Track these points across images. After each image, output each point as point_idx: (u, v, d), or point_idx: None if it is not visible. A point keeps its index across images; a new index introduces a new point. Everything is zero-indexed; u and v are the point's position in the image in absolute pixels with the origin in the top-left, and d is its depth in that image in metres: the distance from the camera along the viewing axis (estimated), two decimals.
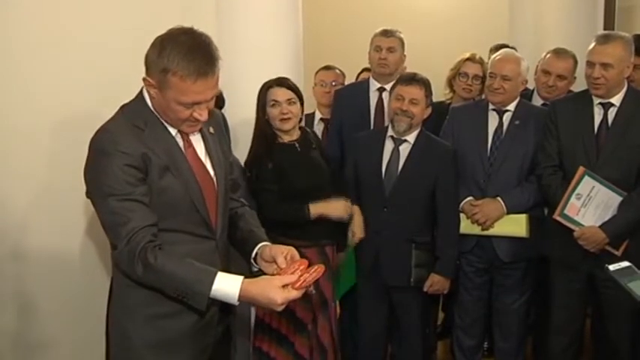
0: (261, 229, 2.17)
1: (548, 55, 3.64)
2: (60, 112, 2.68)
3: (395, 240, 3.10)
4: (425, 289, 3.15)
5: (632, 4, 5.20)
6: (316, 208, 2.92)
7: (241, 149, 3.12)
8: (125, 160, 1.80)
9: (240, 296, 1.81)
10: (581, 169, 2.91)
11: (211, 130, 2.05)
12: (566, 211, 2.96)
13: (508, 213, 3.17)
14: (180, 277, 1.81)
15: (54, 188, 2.70)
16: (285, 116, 2.96)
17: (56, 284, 2.76)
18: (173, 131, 1.93)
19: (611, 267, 1.87)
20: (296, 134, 3.05)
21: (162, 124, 1.91)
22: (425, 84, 3.14)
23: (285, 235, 2.68)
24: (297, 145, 3.03)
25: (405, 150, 3.15)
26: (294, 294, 1.82)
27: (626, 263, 1.88)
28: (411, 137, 3.15)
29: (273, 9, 3.32)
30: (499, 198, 3.17)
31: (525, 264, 3.29)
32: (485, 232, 3.21)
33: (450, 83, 3.96)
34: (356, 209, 3.12)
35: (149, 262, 1.79)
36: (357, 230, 3.11)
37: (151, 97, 1.89)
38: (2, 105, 2.63)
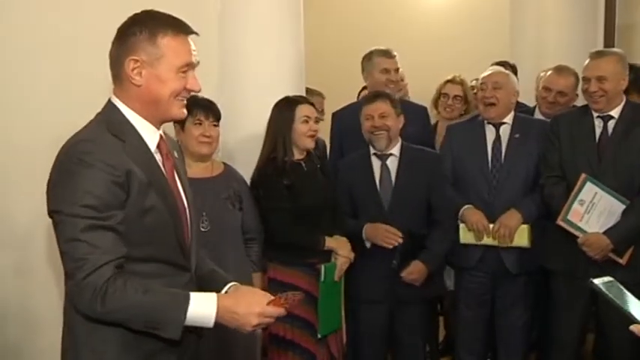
0: (220, 269, 1.98)
1: (550, 72, 3.70)
2: (58, 127, 2.67)
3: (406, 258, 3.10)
4: (402, 274, 3.10)
5: (632, 21, 5.23)
6: (330, 242, 2.96)
7: (240, 167, 3.09)
8: (111, 176, 1.58)
9: (217, 312, 1.63)
10: (583, 175, 2.94)
11: (175, 154, 1.90)
12: (569, 217, 2.97)
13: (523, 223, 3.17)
14: (152, 306, 1.60)
15: None
16: (315, 133, 3.00)
17: (59, 299, 2.76)
18: (152, 146, 1.75)
19: (596, 281, 1.84)
20: (302, 153, 3.07)
21: (140, 136, 1.72)
22: (388, 97, 3.22)
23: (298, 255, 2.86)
24: (303, 164, 3.04)
25: (393, 163, 3.20)
26: (274, 310, 1.70)
27: (608, 278, 1.86)
28: (395, 150, 3.20)
29: (275, 28, 3.35)
30: (515, 210, 3.17)
31: (526, 278, 3.28)
32: (490, 242, 3.19)
33: (435, 105, 4.16)
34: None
35: (115, 296, 1.56)
36: (344, 253, 3.01)
37: (135, 88, 1.69)
38: (1, 121, 2.63)
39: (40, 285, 2.75)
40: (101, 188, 1.57)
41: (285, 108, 2.99)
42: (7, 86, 2.62)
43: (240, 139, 3.28)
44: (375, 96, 3.24)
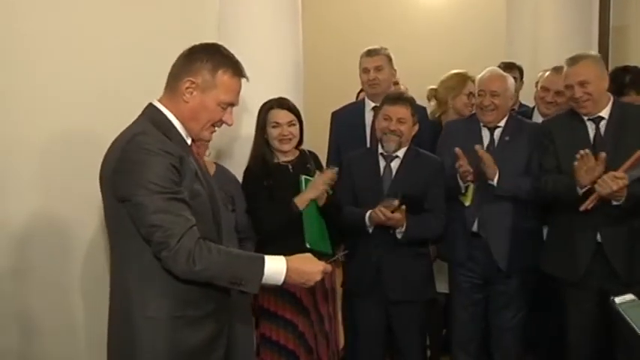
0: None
1: (548, 73, 3.71)
2: (55, 129, 2.68)
3: (395, 254, 3.13)
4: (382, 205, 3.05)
5: (626, 23, 5.27)
6: (302, 199, 2.94)
7: (238, 167, 3.13)
8: (170, 160, 1.85)
9: (287, 269, 1.90)
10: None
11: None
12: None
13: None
14: (235, 264, 1.88)
15: (52, 206, 2.70)
16: (286, 137, 3.00)
17: (57, 302, 2.76)
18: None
19: (617, 299, 1.84)
20: (292, 155, 3.09)
21: (182, 135, 1.99)
22: (411, 102, 3.22)
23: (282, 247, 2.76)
24: (290, 166, 3.06)
25: (396, 165, 3.21)
26: (330, 266, 2.02)
27: (630, 296, 1.85)
28: (401, 153, 3.22)
29: (273, 29, 3.36)
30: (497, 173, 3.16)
31: (519, 277, 3.28)
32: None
33: (442, 98, 3.92)
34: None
35: (205, 255, 1.82)
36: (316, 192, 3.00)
37: (182, 103, 1.95)
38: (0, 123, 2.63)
39: (37, 287, 2.73)
40: (167, 171, 1.85)
41: (262, 111, 3.05)
42: (3, 87, 2.61)
43: (236, 139, 3.29)
44: (398, 98, 3.22)
